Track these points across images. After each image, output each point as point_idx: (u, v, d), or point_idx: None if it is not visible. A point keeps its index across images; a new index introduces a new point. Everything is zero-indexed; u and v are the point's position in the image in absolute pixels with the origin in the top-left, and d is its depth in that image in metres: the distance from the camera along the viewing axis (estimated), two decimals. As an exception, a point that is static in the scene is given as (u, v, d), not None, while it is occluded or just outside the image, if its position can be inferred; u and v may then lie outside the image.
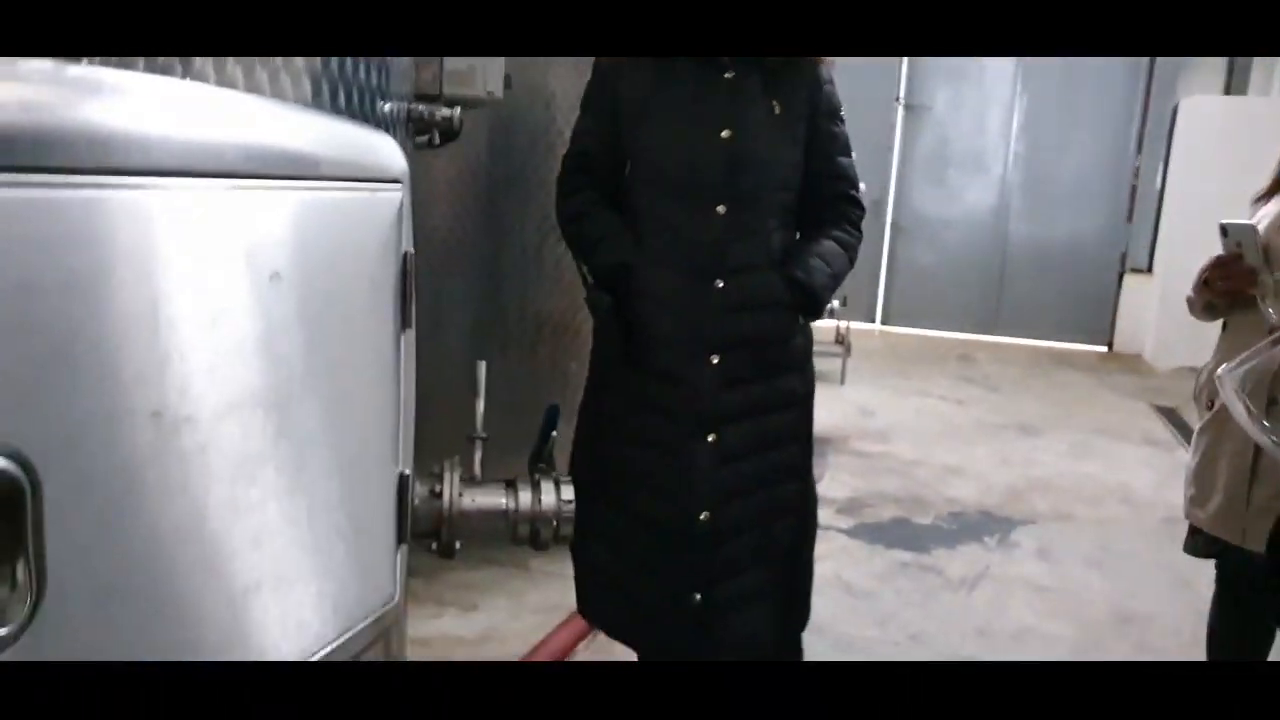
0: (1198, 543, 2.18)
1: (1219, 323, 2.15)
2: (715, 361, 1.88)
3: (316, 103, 1.06)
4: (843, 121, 2.02)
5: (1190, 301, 2.14)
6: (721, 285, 1.87)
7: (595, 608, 2.06)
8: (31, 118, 0.61)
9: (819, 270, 1.93)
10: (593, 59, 2.04)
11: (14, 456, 0.60)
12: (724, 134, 1.85)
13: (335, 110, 1.10)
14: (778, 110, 1.90)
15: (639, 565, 1.96)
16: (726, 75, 1.88)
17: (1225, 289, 2.00)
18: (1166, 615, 3.28)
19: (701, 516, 1.90)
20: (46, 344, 0.63)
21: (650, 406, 1.93)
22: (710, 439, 1.89)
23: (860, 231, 2.05)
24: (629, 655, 2.85)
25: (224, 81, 0.88)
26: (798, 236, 2.01)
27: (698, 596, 1.92)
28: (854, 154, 2.06)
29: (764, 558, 1.99)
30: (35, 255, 0.61)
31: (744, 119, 1.88)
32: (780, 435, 1.99)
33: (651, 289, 1.89)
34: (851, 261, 2.02)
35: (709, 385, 1.89)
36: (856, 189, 2.06)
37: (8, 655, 0.61)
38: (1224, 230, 1.99)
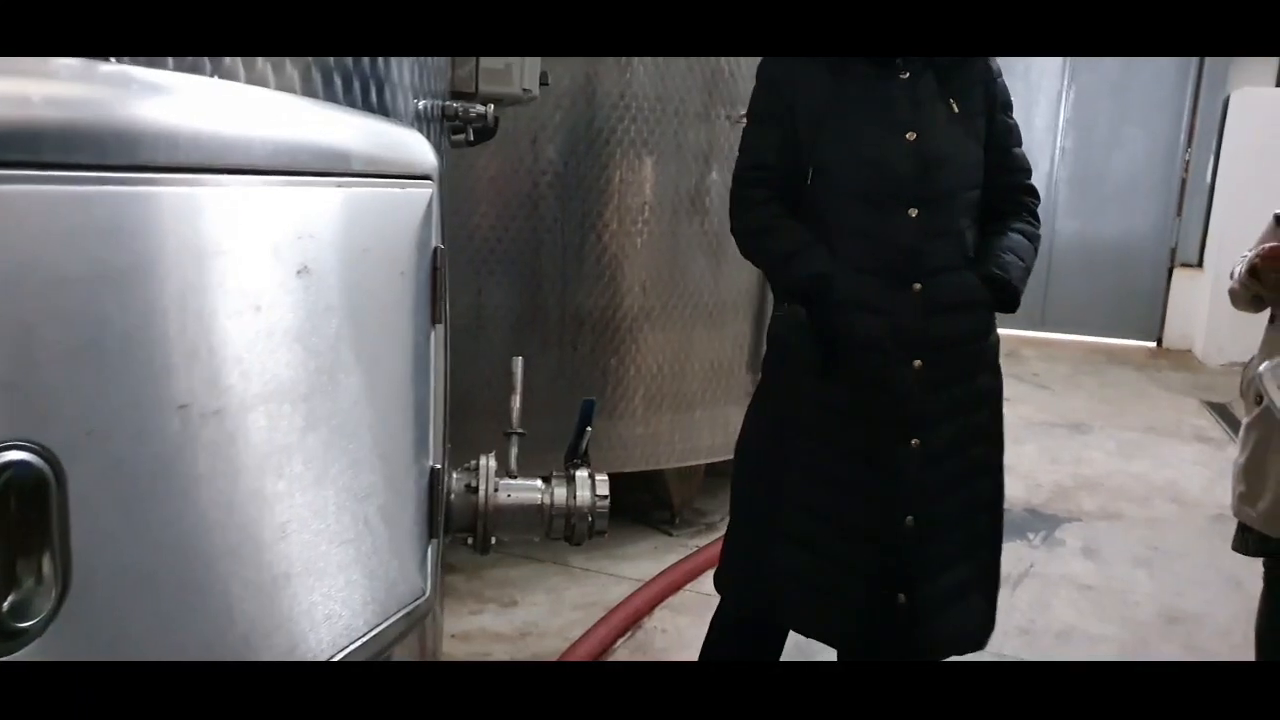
0: (1248, 541, 2.12)
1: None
2: (918, 365, 1.87)
3: (348, 99, 1.06)
4: (1012, 111, 2.03)
5: (1234, 293, 2.09)
6: (920, 288, 1.85)
7: (794, 611, 2.02)
8: (59, 115, 0.62)
9: (1014, 265, 1.92)
10: (755, 65, 2.02)
11: (38, 450, 0.61)
12: (909, 136, 1.85)
13: (367, 107, 1.11)
14: (956, 109, 1.90)
15: (842, 568, 1.94)
16: (902, 76, 1.87)
17: (1277, 281, 1.95)
18: (1216, 616, 3.20)
19: (906, 521, 1.90)
20: (74, 337, 0.63)
21: (850, 415, 1.91)
22: (914, 443, 1.88)
23: (1039, 220, 2.04)
24: (666, 653, 2.85)
25: (254, 79, 0.89)
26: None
27: (902, 597, 1.91)
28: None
29: (966, 555, 2.00)
30: (62, 250, 0.62)
31: (926, 120, 1.87)
32: (977, 433, 1.99)
33: (851, 297, 1.87)
34: (1036, 251, 2.01)
35: (912, 390, 1.87)
36: (1031, 177, 2.06)
37: (34, 647, 0.62)
38: (1278, 220, 1.94)
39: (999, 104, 1.98)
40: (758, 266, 2.10)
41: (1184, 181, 8.25)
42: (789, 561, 1.98)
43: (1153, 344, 8.36)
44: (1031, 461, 4.92)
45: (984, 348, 1.98)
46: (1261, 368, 1.77)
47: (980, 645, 2.06)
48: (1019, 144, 2.03)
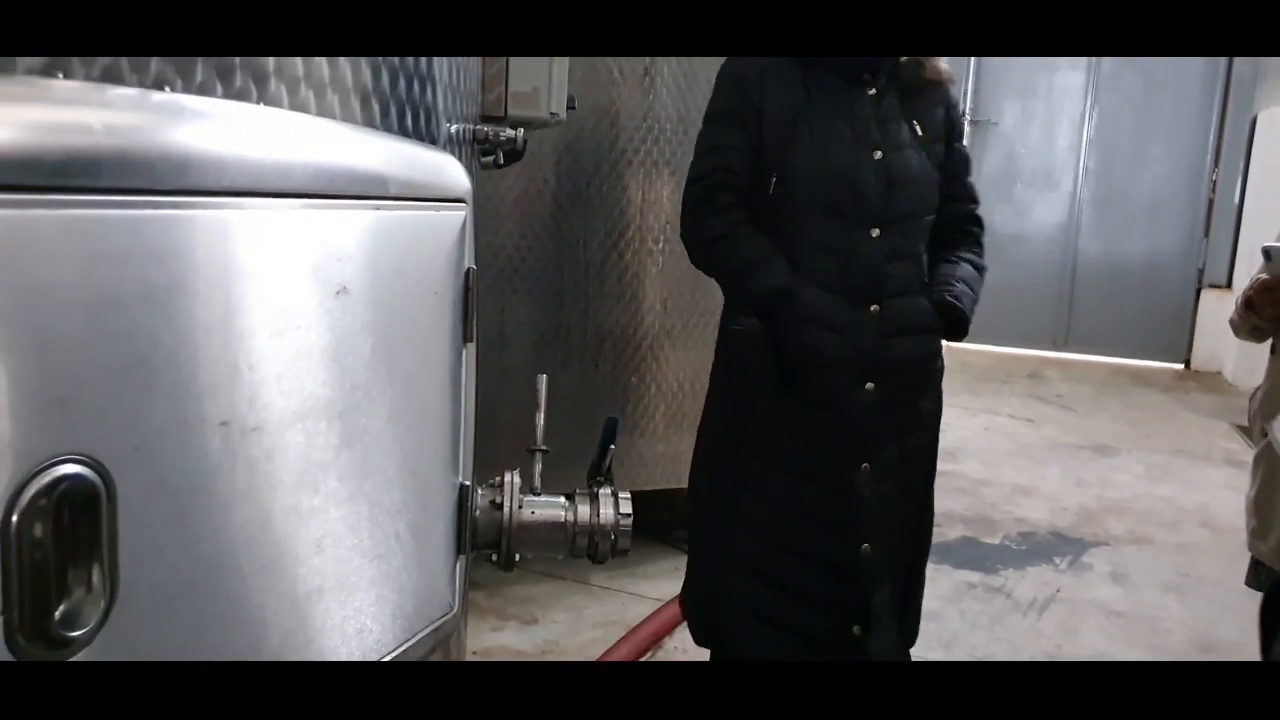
0: (1260, 576, 2.08)
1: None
2: (871, 388, 1.85)
3: (384, 124, 1.09)
4: (964, 141, 2.05)
5: (1234, 324, 2.07)
6: (878, 309, 1.84)
7: (744, 642, 1.97)
8: (116, 141, 0.64)
9: (966, 295, 1.93)
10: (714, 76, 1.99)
11: (91, 463, 0.63)
12: (876, 154, 1.83)
13: (403, 132, 1.13)
14: (919, 131, 1.89)
15: (796, 599, 1.91)
16: (870, 93, 1.85)
17: (1275, 314, 1.91)
18: (1252, 645, 3.13)
19: (863, 549, 1.88)
20: (125, 354, 0.66)
21: (805, 436, 1.88)
22: (865, 467, 1.87)
23: (984, 251, 2.06)
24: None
25: (296, 105, 0.92)
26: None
27: (857, 629, 1.90)
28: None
29: (891, 578, 1.99)
30: (116, 270, 0.65)
31: (892, 139, 1.86)
32: (913, 457, 1.98)
33: (812, 314, 1.84)
34: (982, 282, 2.02)
35: (866, 413, 1.86)
36: (979, 207, 2.06)
37: (83, 655, 0.64)
38: (1267, 254, 1.91)
39: (957, 132, 1.99)
40: (711, 275, 2.02)
41: (1211, 202, 8.18)
42: (740, 590, 1.93)
43: (1180, 366, 8.27)
44: (1056, 484, 4.87)
45: (931, 372, 1.98)
46: (1275, 424, 1.75)
47: None
48: (970, 172, 2.04)
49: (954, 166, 1.98)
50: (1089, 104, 8.39)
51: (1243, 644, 3.14)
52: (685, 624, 3.06)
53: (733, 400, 1.98)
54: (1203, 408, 6.79)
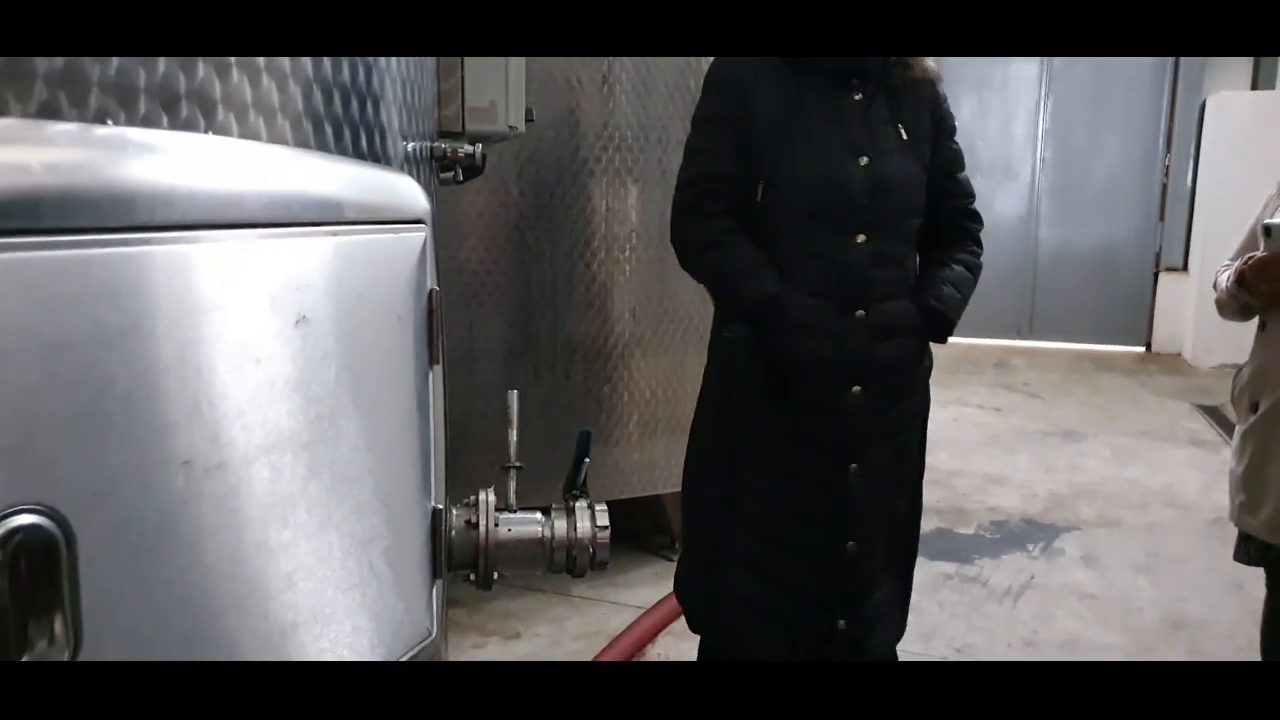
0: (1250, 550, 2.11)
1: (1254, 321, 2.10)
2: (857, 391, 1.87)
3: (339, 147, 1.07)
4: (956, 136, 2.03)
5: (1221, 303, 2.09)
6: (864, 314, 1.85)
7: (736, 633, 2.01)
8: (57, 180, 0.63)
9: (952, 298, 1.92)
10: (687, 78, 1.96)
11: (47, 512, 0.61)
12: (862, 160, 1.83)
13: (358, 154, 1.12)
14: (905, 135, 1.88)
15: (791, 594, 1.95)
16: (856, 98, 1.84)
17: (1271, 291, 1.93)
18: (1220, 620, 3.20)
19: (849, 546, 1.91)
20: (78, 399, 0.64)
21: (794, 438, 1.91)
22: (853, 468, 1.89)
23: (981, 247, 2.04)
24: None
25: (246, 133, 0.90)
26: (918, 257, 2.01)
27: (842, 623, 1.94)
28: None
29: (887, 571, 2.02)
30: (63, 314, 0.63)
31: (878, 144, 1.85)
32: (904, 453, 2.01)
33: (800, 321, 1.85)
34: (976, 281, 2.01)
35: (853, 415, 1.88)
36: (974, 202, 2.05)
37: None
38: (1267, 231, 1.92)
39: (945, 130, 1.98)
40: (701, 282, 2.03)
41: (1165, 187, 8.33)
42: (737, 583, 1.98)
43: (1141, 349, 8.41)
44: (1026, 471, 4.93)
45: (918, 373, 1.99)
46: None
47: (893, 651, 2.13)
48: (963, 169, 2.03)
49: (945, 164, 1.97)
50: (1043, 94, 8.51)
51: (1212, 620, 3.20)
52: (668, 631, 3.06)
53: (728, 406, 1.99)
54: (1164, 389, 6.90)
